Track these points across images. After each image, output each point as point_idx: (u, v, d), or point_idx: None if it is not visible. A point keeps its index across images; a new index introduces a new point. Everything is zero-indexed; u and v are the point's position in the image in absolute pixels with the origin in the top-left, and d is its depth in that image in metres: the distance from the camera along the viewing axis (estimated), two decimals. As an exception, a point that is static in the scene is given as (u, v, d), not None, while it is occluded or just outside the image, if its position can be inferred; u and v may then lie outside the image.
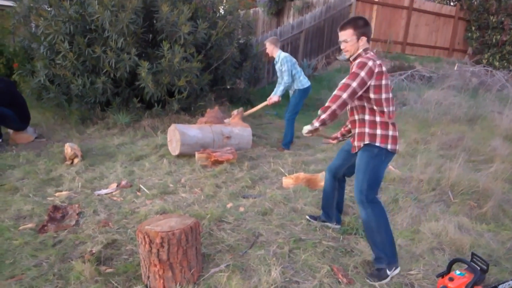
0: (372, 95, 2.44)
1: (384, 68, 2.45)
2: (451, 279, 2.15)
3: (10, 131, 5.33)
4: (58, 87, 5.91)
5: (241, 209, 3.43)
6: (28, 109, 5.40)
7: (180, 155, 4.65)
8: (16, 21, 6.42)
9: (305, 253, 2.73)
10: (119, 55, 5.64)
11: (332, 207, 3.06)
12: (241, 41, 7.60)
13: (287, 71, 5.16)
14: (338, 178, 3.00)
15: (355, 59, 2.55)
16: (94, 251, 2.71)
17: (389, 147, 2.50)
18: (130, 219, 3.26)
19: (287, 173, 4.32)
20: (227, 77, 6.97)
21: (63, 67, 5.71)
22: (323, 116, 2.41)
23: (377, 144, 2.49)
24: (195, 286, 2.38)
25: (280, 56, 5.23)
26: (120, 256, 2.74)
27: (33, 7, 6.14)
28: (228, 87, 7.13)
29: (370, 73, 2.38)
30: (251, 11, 14.04)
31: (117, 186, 3.92)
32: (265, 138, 5.78)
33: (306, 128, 2.53)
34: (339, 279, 2.46)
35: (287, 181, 3.98)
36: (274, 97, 5.35)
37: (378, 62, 2.42)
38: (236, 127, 5.08)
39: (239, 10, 7.55)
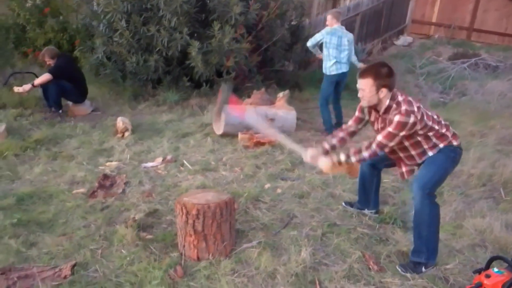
0: (420, 132, 2.39)
1: (418, 106, 2.38)
2: (487, 276, 2.05)
3: (70, 103, 5.72)
4: (114, 63, 6.23)
5: (278, 190, 3.47)
6: (86, 83, 5.74)
7: (224, 135, 4.76)
8: (78, -1, 6.80)
9: (338, 238, 2.72)
10: (171, 34, 5.80)
11: (370, 192, 3.02)
12: (293, 23, 7.51)
13: (317, 39, 5.09)
14: (378, 168, 2.95)
15: (386, 111, 2.41)
16: (136, 218, 2.88)
17: (455, 143, 2.48)
18: (172, 191, 3.42)
19: (329, 158, 4.29)
20: (276, 59, 6.95)
21: (119, 44, 5.99)
22: (352, 159, 2.49)
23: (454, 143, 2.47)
24: (227, 258, 2.47)
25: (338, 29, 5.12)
26: (159, 225, 2.91)
27: (94, -15, 6.46)
28: (277, 69, 7.10)
29: (412, 128, 2.32)
30: (307, -8, 13.76)
31: (162, 160, 4.10)
32: (310, 122, 5.74)
33: (326, 163, 2.56)
34: (370, 266, 2.44)
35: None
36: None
37: (415, 109, 2.32)
38: (280, 109, 5.09)
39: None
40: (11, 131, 4.65)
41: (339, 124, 5.30)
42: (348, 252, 2.57)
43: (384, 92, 2.35)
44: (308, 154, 2.65)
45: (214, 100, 6.06)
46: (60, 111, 5.43)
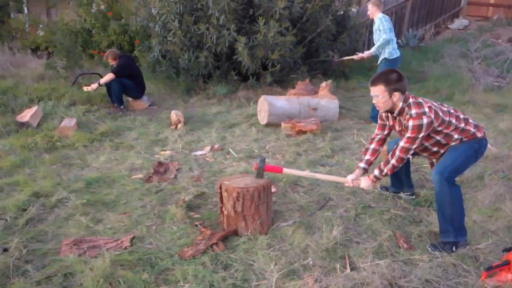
0: (439, 129, 2.48)
1: (429, 105, 2.45)
2: (515, 254, 2.11)
3: (129, 99, 6.26)
4: (168, 61, 6.71)
5: (317, 175, 3.63)
6: (144, 80, 6.25)
7: (268, 124, 5.00)
8: (137, 3, 7.35)
9: (371, 218, 2.86)
10: (220, 31, 6.12)
11: (401, 175, 3.10)
12: (339, 13, 7.53)
13: (386, 28, 5.04)
14: None
15: (400, 113, 2.54)
16: (186, 200, 3.21)
17: (479, 135, 2.54)
18: (218, 177, 3.72)
19: (370, 145, 4.37)
20: (322, 49, 7.04)
21: (173, 43, 6.43)
22: (385, 172, 2.63)
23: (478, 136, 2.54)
24: (263, 235, 2.71)
25: (378, 17, 5.12)
26: (206, 206, 3.21)
27: (151, -11, 6.96)
28: (323, 59, 7.19)
29: (429, 127, 2.41)
30: (357, -20, 13.51)
31: (210, 149, 4.43)
32: (354, 111, 5.80)
33: (370, 186, 2.73)
34: (399, 245, 2.56)
35: (368, 152, 4.04)
36: (365, 53, 5.29)
37: (426, 109, 2.40)
38: (323, 99, 5.22)
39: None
40: (80, 125, 5.22)
41: None
42: (380, 231, 2.70)
43: (397, 96, 2.47)
44: (349, 179, 2.81)
45: (259, 93, 6.32)
46: (122, 106, 5.98)
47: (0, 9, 9.96)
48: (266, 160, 4.00)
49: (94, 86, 5.78)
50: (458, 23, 10.00)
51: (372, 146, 2.86)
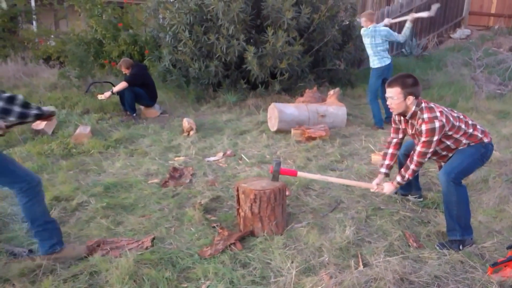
0: (449, 133, 2.61)
1: (441, 110, 2.59)
2: (519, 251, 2.23)
3: (142, 107, 6.43)
4: (179, 70, 6.90)
5: (328, 179, 3.77)
6: (155, 89, 6.42)
7: (278, 131, 5.15)
8: (147, 14, 7.56)
9: (381, 219, 2.99)
10: (229, 41, 6.30)
11: None
12: (345, 23, 7.72)
13: (389, 36, 5.26)
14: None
15: (412, 116, 2.67)
16: (202, 203, 3.34)
17: (486, 140, 2.68)
18: (232, 181, 3.86)
19: (377, 150, 4.50)
20: (328, 58, 7.22)
21: (183, 53, 6.62)
22: (406, 177, 2.74)
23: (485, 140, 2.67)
24: (279, 235, 2.83)
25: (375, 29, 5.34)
26: (222, 209, 3.34)
27: (161, 1, 7.17)
28: (329, 68, 7.36)
29: (441, 131, 2.53)
30: (361, -10, 13.75)
31: (223, 154, 4.58)
32: (361, 118, 5.95)
33: (391, 189, 2.86)
34: (409, 243, 2.69)
35: (376, 157, 4.18)
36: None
37: (438, 114, 2.54)
38: (331, 106, 5.37)
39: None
40: (94, 132, 5.37)
41: (388, 118, 5.47)
42: (390, 231, 2.83)
43: (411, 99, 2.60)
44: (374, 184, 2.97)
45: (268, 100, 6.48)
46: (134, 114, 6.15)
47: (11, 20, 10.21)
48: (278, 164, 4.18)
49: (108, 94, 5.96)
50: (460, 32, 10.18)
51: (390, 151, 3.01)
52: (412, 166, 2.70)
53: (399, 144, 3.01)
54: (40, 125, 5.39)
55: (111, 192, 3.70)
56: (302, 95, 6.07)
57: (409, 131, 2.82)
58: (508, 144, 4.60)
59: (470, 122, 2.68)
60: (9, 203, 3.42)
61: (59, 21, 13.70)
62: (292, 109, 5.16)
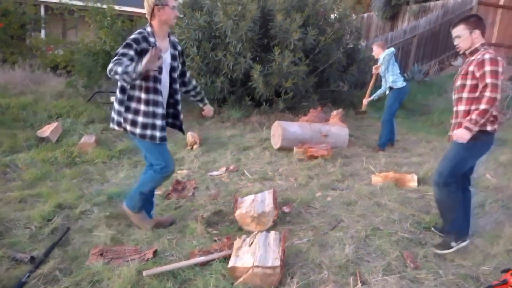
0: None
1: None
2: (513, 275, 2.28)
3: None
4: (185, 85, 7.00)
5: (329, 198, 3.84)
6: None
7: (281, 148, 5.23)
8: (157, 28, 7.71)
9: (380, 239, 3.03)
10: (236, 59, 6.45)
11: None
12: (349, 46, 7.89)
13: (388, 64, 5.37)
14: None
15: (472, 53, 2.66)
16: (204, 216, 3.40)
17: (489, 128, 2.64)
18: (234, 196, 3.91)
19: (378, 172, 4.57)
20: (332, 79, 7.36)
21: (190, 68, 6.75)
22: (483, 121, 2.54)
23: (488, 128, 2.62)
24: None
25: (382, 55, 5.44)
26: (223, 223, 3.39)
27: (171, 16, 7.33)
28: (332, 89, 7.49)
29: (502, 64, 2.54)
30: (365, 15, 14.05)
31: (226, 169, 4.65)
32: (362, 139, 6.04)
33: (465, 137, 2.59)
34: (407, 264, 2.73)
35: (376, 179, 4.25)
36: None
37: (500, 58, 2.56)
38: (334, 126, 5.47)
39: (352, 15, 7.85)
40: (99, 142, 5.45)
41: (391, 140, 5.57)
42: (388, 251, 2.87)
43: (477, 33, 2.63)
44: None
45: (272, 118, 6.57)
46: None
47: (22, 27, 10.39)
48: (279, 182, 4.25)
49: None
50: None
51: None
52: (482, 106, 2.50)
53: None
54: (45, 132, 5.47)
55: (114, 202, 3.74)
56: (305, 114, 6.18)
57: (458, 81, 2.73)
58: (505, 171, 4.68)
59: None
60: (12, 208, 3.47)
61: (68, 31, 13.94)
62: (296, 127, 5.25)
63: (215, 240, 3.04)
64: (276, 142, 5.28)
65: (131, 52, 2.66)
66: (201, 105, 3.41)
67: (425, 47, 10.22)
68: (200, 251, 2.81)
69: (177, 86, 3.04)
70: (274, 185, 4.16)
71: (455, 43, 2.75)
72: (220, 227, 3.32)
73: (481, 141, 2.68)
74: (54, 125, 5.68)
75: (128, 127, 2.87)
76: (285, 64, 6.18)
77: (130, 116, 2.85)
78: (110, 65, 2.58)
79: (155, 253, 2.88)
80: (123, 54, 2.64)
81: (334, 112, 5.86)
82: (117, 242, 3.04)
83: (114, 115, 2.94)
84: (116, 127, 2.94)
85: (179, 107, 3.13)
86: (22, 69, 9.27)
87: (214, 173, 4.56)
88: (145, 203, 3.19)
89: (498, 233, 3.15)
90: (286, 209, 3.51)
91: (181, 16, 7.27)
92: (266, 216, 3.15)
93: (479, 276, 2.60)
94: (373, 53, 5.64)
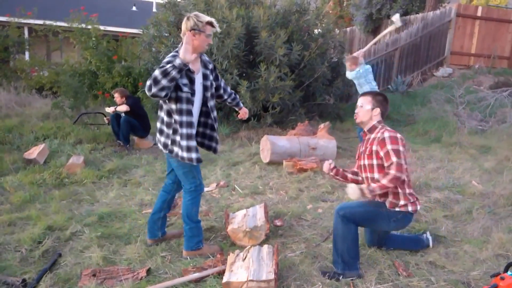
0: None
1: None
2: (502, 278, 2.32)
3: (135, 138, 6.52)
4: (172, 102, 7.03)
5: (319, 210, 3.88)
6: (149, 120, 6.54)
7: (270, 163, 5.28)
8: (142, 47, 7.79)
9: (371, 249, 3.08)
10: (223, 75, 6.52)
11: None
12: (334, 60, 8.06)
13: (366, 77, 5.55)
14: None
15: (370, 130, 2.77)
16: (196, 233, 3.39)
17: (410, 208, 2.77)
18: (225, 212, 3.92)
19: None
20: (318, 93, 7.48)
21: (177, 85, 6.78)
22: (378, 192, 2.63)
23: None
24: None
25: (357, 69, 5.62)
26: (216, 238, 3.40)
27: (156, 35, 7.42)
28: (319, 102, 7.61)
29: (403, 143, 2.62)
30: (348, 29, 14.37)
31: (216, 185, 4.66)
32: (350, 151, 6.13)
33: (355, 193, 2.61)
34: (399, 272, 2.77)
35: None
36: None
37: (399, 135, 2.67)
38: (322, 139, 5.55)
39: (336, 30, 8.04)
40: (87, 163, 5.42)
41: None
42: (380, 260, 2.92)
43: (377, 112, 2.76)
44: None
45: (260, 133, 6.63)
46: (128, 145, 6.23)
47: (5, 50, 10.36)
48: (270, 196, 4.28)
49: (112, 109, 6.17)
50: (443, 71, 10.66)
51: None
52: (384, 181, 2.55)
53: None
54: (32, 154, 5.42)
55: (105, 222, 3.73)
56: (293, 128, 6.25)
57: (359, 150, 2.89)
58: (490, 177, 4.80)
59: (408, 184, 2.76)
60: (1, 232, 3.43)
61: (52, 52, 13.92)
62: (284, 141, 5.31)
63: (208, 257, 3.04)
64: (265, 157, 5.33)
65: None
66: (236, 108, 3.42)
67: (407, 59, 10.48)
68: (194, 267, 2.82)
69: (212, 103, 3.01)
70: (265, 199, 4.19)
71: (356, 111, 2.86)
72: (213, 243, 3.33)
73: (401, 218, 2.75)
74: (41, 146, 5.64)
75: (165, 150, 2.94)
76: (271, 79, 6.28)
77: (169, 140, 2.91)
78: (148, 82, 2.60)
79: (148, 271, 2.87)
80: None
81: (322, 125, 5.95)
82: (110, 262, 3.02)
83: (159, 137, 3.01)
84: (163, 149, 2.99)
85: (216, 126, 3.08)
86: (7, 91, 9.20)
87: (205, 189, 4.55)
88: (163, 221, 3.29)
89: (486, 238, 3.22)
90: (278, 223, 3.54)
91: (165, 35, 7.36)
92: (258, 230, 3.18)
93: (470, 281, 2.66)
94: (348, 68, 5.79)
